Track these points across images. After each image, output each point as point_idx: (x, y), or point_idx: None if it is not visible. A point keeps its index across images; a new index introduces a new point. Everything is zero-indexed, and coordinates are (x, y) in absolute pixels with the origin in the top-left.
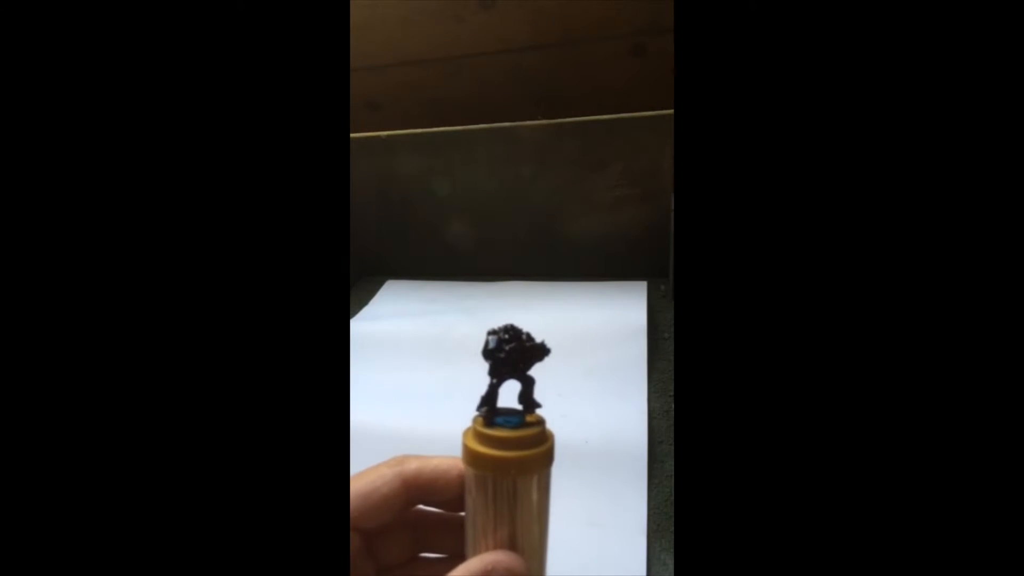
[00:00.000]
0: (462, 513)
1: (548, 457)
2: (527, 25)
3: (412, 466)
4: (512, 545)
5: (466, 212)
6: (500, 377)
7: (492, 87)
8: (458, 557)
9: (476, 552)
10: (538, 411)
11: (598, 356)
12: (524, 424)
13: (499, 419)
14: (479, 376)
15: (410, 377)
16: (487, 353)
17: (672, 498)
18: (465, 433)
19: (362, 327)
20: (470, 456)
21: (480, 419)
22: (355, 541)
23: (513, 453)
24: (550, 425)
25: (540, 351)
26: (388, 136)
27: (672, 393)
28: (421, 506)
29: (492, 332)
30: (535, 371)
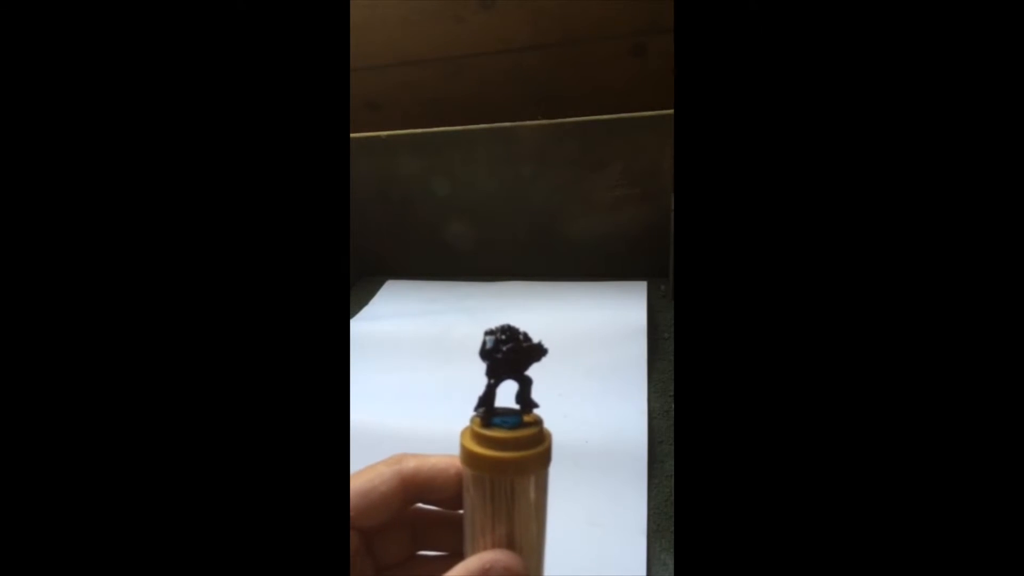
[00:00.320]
0: (460, 511)
1: (546, 457)
2: (527, 25)
3: (410, 465)
4: (510, 544)
5: (466, 212)
6: (497, 377)
7: (492, 87)
8: (456, 555)
9: (474, 551)
10: (536, 411)
11: (598, 356)
12: (522, 424)
13: (496, 419)
14: (479, 376)
15: (410, 377)
16: (484, 353)
17: (672, 498)
18: (463, 433)
19: (362, 327)
20: (468, 457)
21: (478, 419)
22: (354, 540)
23: (510, 454)
24: (550, 425)
25: (537, 351)
26: (388, 136)
27: (672, 393)
28: (419, 504)
29: (489, 332)
30: (534, 371)
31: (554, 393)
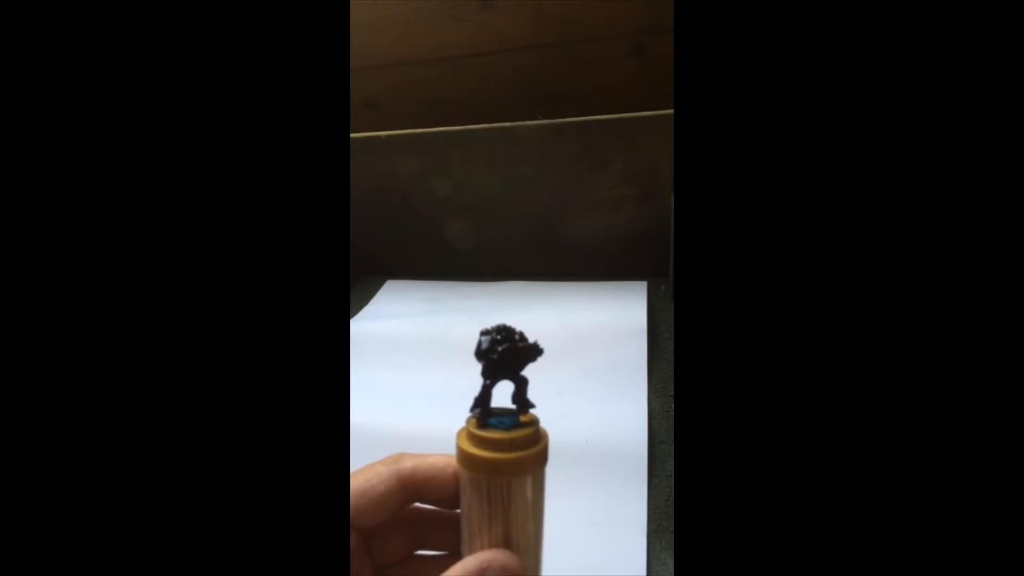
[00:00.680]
0: (458, 510)
1: (542, 457)
2: (527, 25)
3: (408, 464)
4: (507, 544)
5: (466, 212)
6: (493, 378)
7: (492, 87)
8: (454, 554)
9: (472, 551)
10: (533, 411)
11: (598, 356)
12: (517, 425)
13: (492, 420)
14: (478, 376)
15: (410, 377)
16: (480, 354)
17: (672, 498)
18: (459, 434)
19: (362, 327)
20: (464, 458)
21: (474, 420)
22: (352, 539)
23: (506, 455)
24: (550, 425)
25: (533, 351)
26: (388, 136)
27: (672, 393)
28: (417, 504)
29: (485, 332)
30: (533, 370)
31: (554, 393)
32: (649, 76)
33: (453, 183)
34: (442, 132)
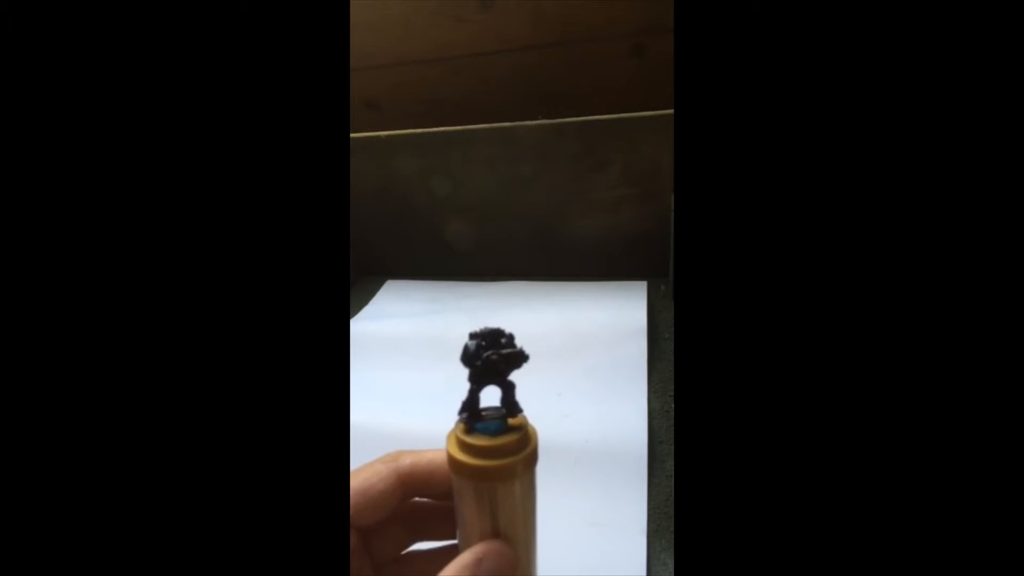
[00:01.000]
0: None
1: (529, 461)
2: (527, 25)
3: (407, 461)
4: (500, 538)
5: (466, 212)
6: (479, 383)
7: (492, 87)
8: (453, 544)
9: (466, 547)
10: (526, 413)
11: (598, 356)
12: (505, 429)
13: (479, 425)
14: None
15: (410, 377)
16: (465, 359)
17: (672, 498)
18: (448, 437)
19: (362, 327)
20: (451, 462)
21: (461, 425)
22: (352, 539)
23: (491, 462)
24: (550, 425)
25: (518, 358)
26: (388, 136)
27: (672, 393)
28: (415, 498)
29: (473, 336)
30: (533, 372)
31: (554, 393)
32: (649, 76)
33: (453, 183)
34: (442, 132)
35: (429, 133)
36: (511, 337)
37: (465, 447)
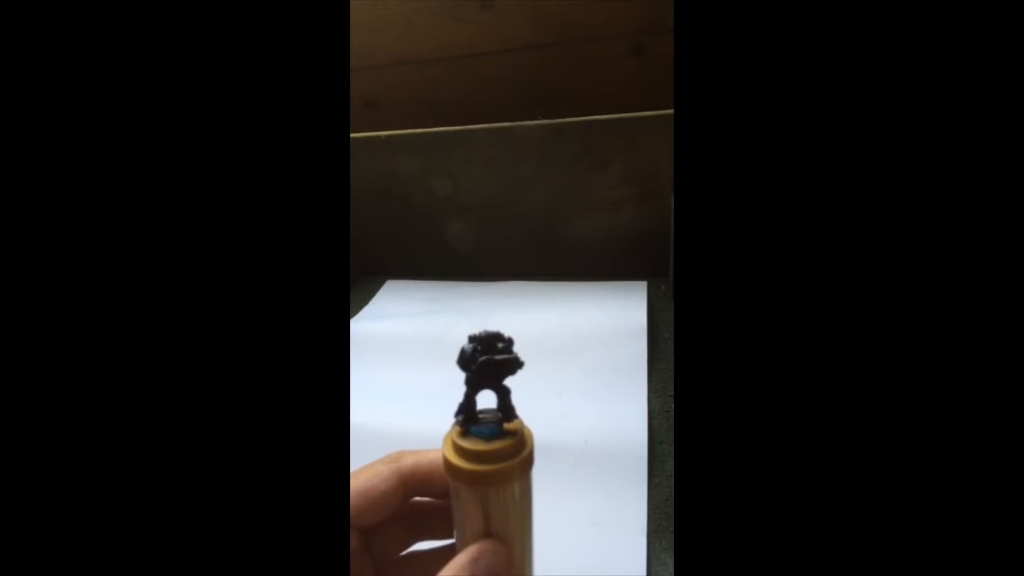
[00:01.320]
0: None
1: (525, 465)
2: (527, 25)
3: (408, 461)
4: (495, 539)
5: (466, 212)
6: (474, 387)
7: (492, 87)
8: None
9: (462, 547)
10: (526, 413)
11: (598, 356)
12: (500, 434)
13: (474, 429)
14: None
15: (410, 377)
16: (461, 362)
17: (672, 498)
18: (444, 440)
19: (362, 327)
20: (447, 466)
21: (457, 428)
22: (353, 539)
23: (485, 467)
24: (550, 425)
25: (512, 364)
26: (388, 136)
27: (672, 393)
28: (416, 497)
29: (472, 339)
30: (533, 372)
31: (554, 393)
32: (649, 76)
33: (453, 183)
34: (442, 132)
35: (429, 133)
36: (510, 341)
37: (460, 451)
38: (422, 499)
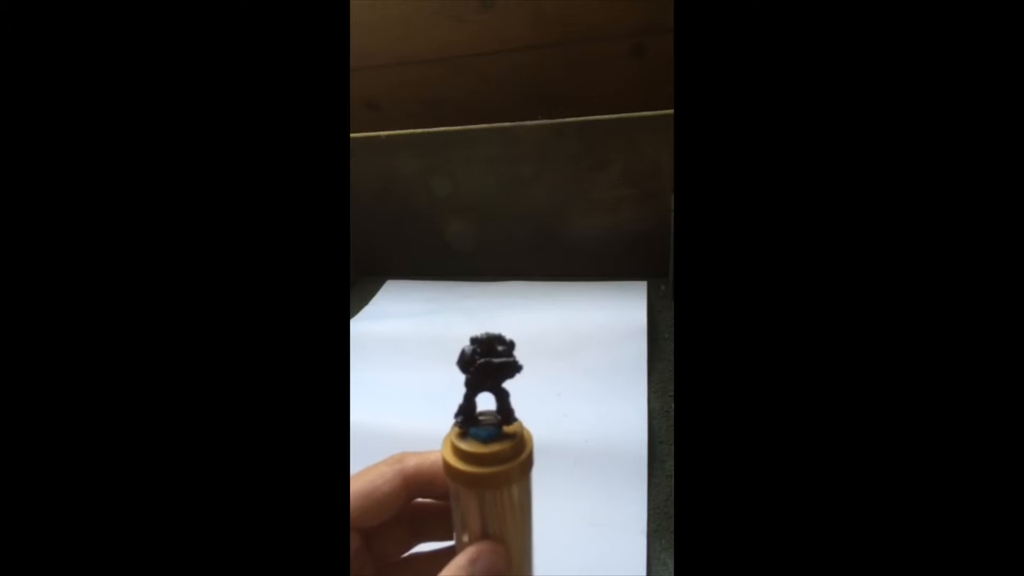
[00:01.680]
0: None
1: (524, 468)
2: (527, 25)
3: (411, 463)
4: (494, 540)
5: (466, 212)
6: (473, 390)
7: (492, 87)
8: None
9: (461, 548)
10: (528, 413)
11: (598, 356)
12: (499, 436)
13: (472, 431)
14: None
15: (410, 377)
16: (460, 363)
17: (672, 498)
18: (444, 442)
19: (362, 327)
20: (446, 468)
21: (456, 430)
22: (355, 540)
23: (484, 469)
24: (550, 425)
25: (511, 368)
26: (388, 136)
27: (672, 393)
28: (419, 499)
29: (474, 340)
30: (533, 372)
31: (553, 393)
32: (649, 76)
33: (453, 183)
34: (442, 132)
35: (429, 133)
36: (511, 344)
37: (458, 453)
38: (424, 501)
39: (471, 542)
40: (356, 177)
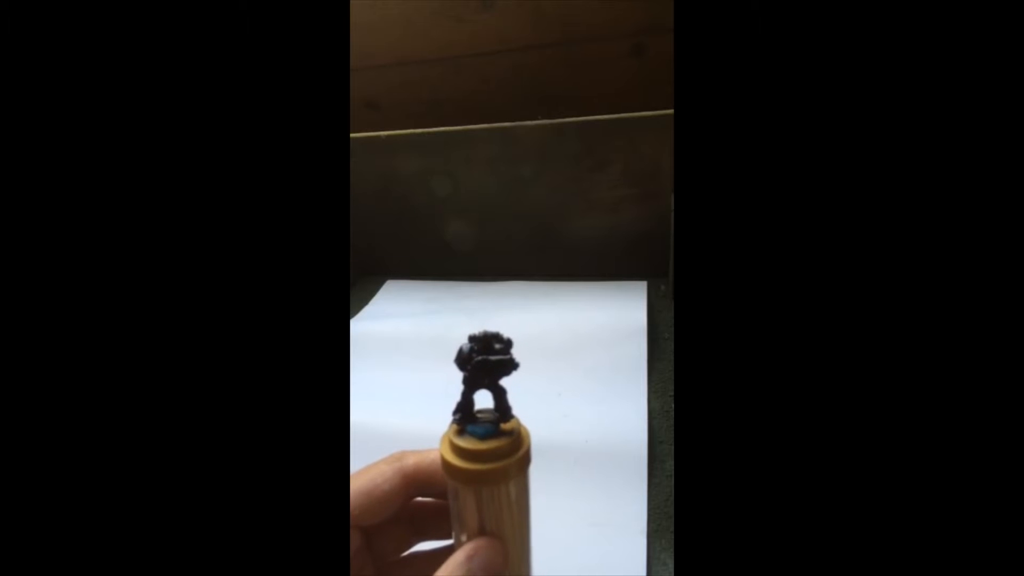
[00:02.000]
0: None
1: (521, 464)
2: (527, 25)
3: (411, 461)
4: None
5: (466, 212)
6: (470, 386)
7: (492, 87)
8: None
9: (459, 545)
10: (516, 418)
11: (598, 356)
12: (496, 433)
13: (469, 428)
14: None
15: (410, 377)
16: (458, 361)
17: (672, 498)
18: (442, 438)
19: (362, 327)
20: (443, 465)
21: (454, 426)
22: (355, 539)
23: (480, 466)
24: (550, 425)
25: (507, 365)
26: (388, 136)
27: (672, 393)
28: (419, 497)
29: (472, 338)
30: (533, 371)
31: (554, 393)
32: (649, 76)
33: (453, 183)
34: (442, 132)
35: (429, 133)
36: (509, 342)
37: (456, 449)
38: (424, 499)
39: (468, 539)
40: (356, 177)
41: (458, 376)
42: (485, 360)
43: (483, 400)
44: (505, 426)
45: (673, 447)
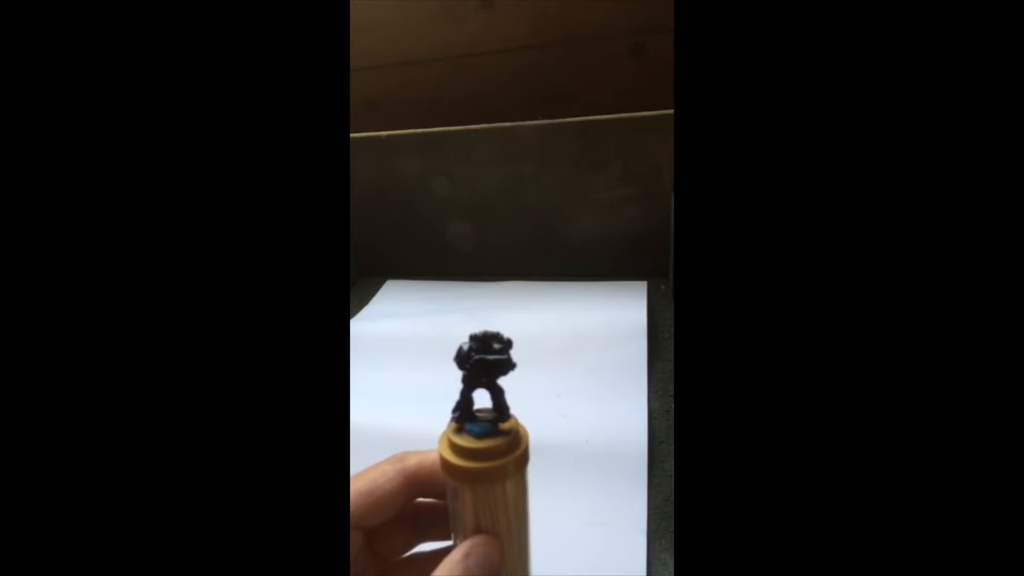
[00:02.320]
0: None
1: (519, 463)
2: (527, 25)
3: (412, 462)
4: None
5: (466, 212)
6: (469, 385)
7: (492, 87)
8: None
9: (457, 544)
10: (514, 417)
11: (598, 356)
12: (494, 432)
13: (467, 426)
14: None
15: (410, 377)
16: (457, 360)
17: (672, 498)
18: (440, 438)
19: (362, 327)
20: (442, 463)
21: (453, 425)
22: (357, 539)
23: (478, 464)
24: (550, 425)
25: (504, 365)
26: (388, 136)
27: (672, 393)
28: (420, 498)
29: (473, 337)
30: (533, 371)
31: (553, 393)
32: (649, 76)
33: (453, 183)
34: (442, 132)
35: (429, 133)
36: (508, 342)
37: (454, 448)
38: (425, 500)
39: (465, 537)
40: (356, 177)
41: (458, 376)
42: (483, 359)
43: (483, 400)
44: (503, 425)
45: (673, 447)
